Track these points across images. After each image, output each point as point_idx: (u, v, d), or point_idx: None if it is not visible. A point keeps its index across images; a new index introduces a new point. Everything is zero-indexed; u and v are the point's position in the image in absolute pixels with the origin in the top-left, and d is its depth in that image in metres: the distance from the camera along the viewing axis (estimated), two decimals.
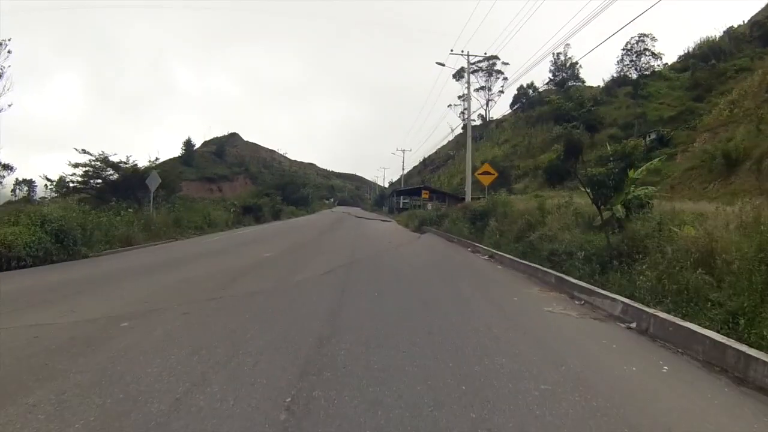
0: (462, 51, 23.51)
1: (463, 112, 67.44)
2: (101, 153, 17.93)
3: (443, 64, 23.54)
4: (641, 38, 41.48)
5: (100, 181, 18.47)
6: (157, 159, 20.37)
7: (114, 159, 18.35)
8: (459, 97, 66.84)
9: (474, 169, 20.03)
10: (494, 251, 10.67)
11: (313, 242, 15.01)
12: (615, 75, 50.74)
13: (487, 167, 17.88)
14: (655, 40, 42.86)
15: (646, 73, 41.17)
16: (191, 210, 18.90)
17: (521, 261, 8.81)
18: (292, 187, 54.68)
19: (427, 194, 39.06)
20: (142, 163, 19.29)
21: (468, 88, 22.48)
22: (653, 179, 21.25)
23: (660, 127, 33.67)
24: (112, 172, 18.46)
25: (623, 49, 41.20)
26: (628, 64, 41.56)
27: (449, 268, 9.57)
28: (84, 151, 17.67)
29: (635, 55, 40.74)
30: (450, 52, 21.58)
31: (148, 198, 16.51)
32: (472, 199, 20.40)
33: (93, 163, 17.94)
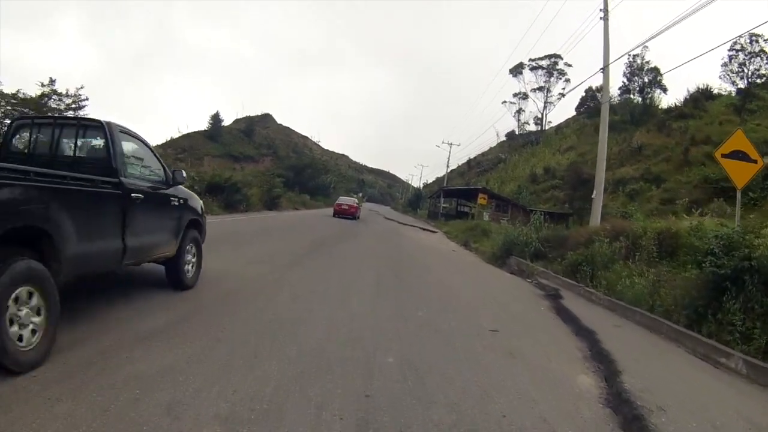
0: None
1: (519, 111, 60.64)
2: None
3: None
4: (753, 38, 33.66)
5: None
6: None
7: None
8: (515, 95, 60.13)
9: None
10: None
11: None
12: (700, 86, 43.21)
13: (740, 139, 7.68)
14: None
15: (758, 81, 33.49)
16: None
17: None
18: (311, 172, 45.83)
19: (485, 199, 30.67)
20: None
21: (605, 8, 15.37)
22: None
23: None
24: None
25: (731, 49, 33.46)
26: (734, 69, 33.87)
27: None
28: None
29: (747, 56, 32.99)
30: None
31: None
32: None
33: None
